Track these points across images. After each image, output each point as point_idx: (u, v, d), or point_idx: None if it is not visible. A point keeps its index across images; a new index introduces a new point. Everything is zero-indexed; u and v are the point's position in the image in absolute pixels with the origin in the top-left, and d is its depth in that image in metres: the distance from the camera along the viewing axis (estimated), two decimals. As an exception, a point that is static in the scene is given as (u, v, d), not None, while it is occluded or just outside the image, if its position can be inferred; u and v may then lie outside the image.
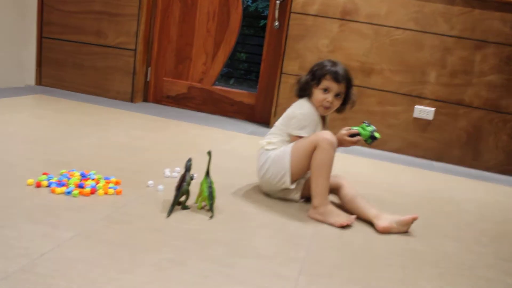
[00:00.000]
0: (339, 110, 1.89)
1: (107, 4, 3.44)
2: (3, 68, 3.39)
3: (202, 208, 1.60)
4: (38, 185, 1.59)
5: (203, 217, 1.54)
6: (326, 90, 1.78)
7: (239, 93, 3.49)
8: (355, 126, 1.83)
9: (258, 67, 3.55)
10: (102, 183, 1.67)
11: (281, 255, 1.35)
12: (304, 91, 1.85)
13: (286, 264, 1.30)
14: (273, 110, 3.22)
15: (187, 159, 1.61)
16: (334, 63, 1.81)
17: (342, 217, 1.67)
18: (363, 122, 1.82)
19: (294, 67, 3.14)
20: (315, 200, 1.70)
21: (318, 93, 1.80)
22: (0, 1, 3.25)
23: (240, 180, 1.99)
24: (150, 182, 1.76)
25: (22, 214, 1.37)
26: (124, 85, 3.53)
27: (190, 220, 1.50)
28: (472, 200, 2.27)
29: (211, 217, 1.54)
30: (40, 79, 3.73)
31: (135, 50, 3.45)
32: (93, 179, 1.71)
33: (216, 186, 1.64)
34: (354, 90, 1.88)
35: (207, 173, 1.59)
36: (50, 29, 3.62)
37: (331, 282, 1.24)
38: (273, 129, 1.89)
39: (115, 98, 3.56)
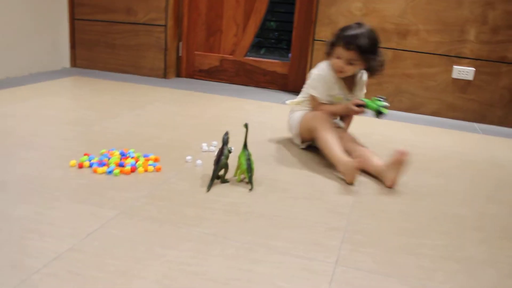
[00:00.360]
0: (368, 75, 1.93)
1: (135, -19, 3.44)
2: (39, 52, 3.46)
3: (241, 181, 1.61)
4: (81, 166, 1.63)
5: (242, 190, 1.54)
6: (338, 57, 1.85)
7: (272, 63, 3.45)
8: (367, 98, 1.87)
9: (289, 35, 3.50)
10: (141, 160, 1.70)
11: (322, 225, 1.35)
12: (328, 54, 1.93)
13: (328, 234, 1.30)
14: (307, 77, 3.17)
15: (223, 132, 1.62)
16: (356, 28, 1.82)
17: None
18: (379, 97, 1.83)
19: (327, 33, 3.06)
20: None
21: (333, 58, 1.88)
22: (31, -15, 3.29)
23: (277, 151, 1.99)
24: (188, 157, 1.77)
25: (68, 195, 1.41)
26: (157, 62, 3.55)
27: (229, 194, 1.51)
28: (517, 160, 2.20)
29: (251, 189, 1.54)
30: (75, 61, 3.79)
31: (165, 25, 3.45)
32: (132, 157, 1.74)
33: (253, 158, 1.63)
34: (380, 56, 1.86)
35: (245, 146, 1.59)
36: (81, 10, 3.65)
37: (374, 251, 1.23)
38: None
39: (148, 75, 3.59)
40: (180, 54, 3.62)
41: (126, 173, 1.60)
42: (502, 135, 2.71)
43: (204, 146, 1.91)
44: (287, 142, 2.13)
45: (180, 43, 3.59)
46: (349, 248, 1.23)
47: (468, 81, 2.94)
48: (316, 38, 3.10)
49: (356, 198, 1.56)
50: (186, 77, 3.66)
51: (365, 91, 2.04)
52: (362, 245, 1.25)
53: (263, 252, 1.17)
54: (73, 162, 1.65)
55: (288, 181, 1.66)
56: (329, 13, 3.05)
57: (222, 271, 1.08)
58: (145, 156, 1.76)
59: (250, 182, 1.56)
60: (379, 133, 2.42)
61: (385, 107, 1.81)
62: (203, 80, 3.63)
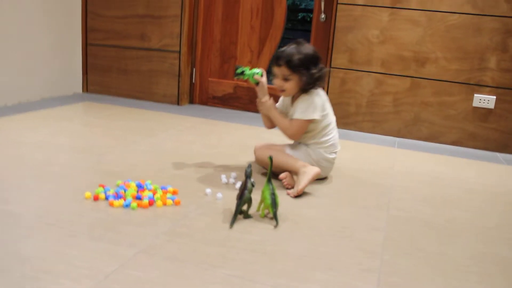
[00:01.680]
0: (305, 90, 1.87)
1: (150, 6, 3.42)
2: (52, 77, 3.43)
3: (265, 216, 1.53)
4: (96, 198, 1.56)
5: (267, 226, 1.46)
6: (275, 75, 1.87)
7: (286, 90, 3.39)
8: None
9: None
10: (159, 193, 1.62)
11: (355, 266, 1.26)
12: None
13: (362, 276, 1.21)
14: (323, 106, 3.11)
15: (241, 162, 1.55)
16: (290, 45, 1.85)
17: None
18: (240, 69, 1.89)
19: (343, 60, 3.02)
20: None
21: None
22: (47, 11, 3.28)
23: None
24: (208, 190, 1.70)
25: (83, 230, 1.34)
26: (170, 88, 3.51)
27: (254, 230, 1.42)
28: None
29: (276, 226, 1.46)
30: (87, 86, 3.76)
31: (179, 51, 3.41)
32: (149, 189, 1.66)
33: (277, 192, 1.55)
34: (318, 71, 1.83)
35: (269, 179, 1.51)
36: (94, 36, 3.63)
37: (414, 296, 1.14)
38: None
39: (161, 102, 3.54)
40: (193, 81, 3.57)
41: (144, 207, 1.53)
42: (527, 166, 2.62)
43: (223, 178, 1.84)
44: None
45: (194, 69, 3.55)
46: (386, 293, 1.14)
47: (489, 110, 2.87)
48: (332, 66, 3.05)
49: (387, 235, 1.47)
50: (200, 103, 3.61)
51: (295, 113, 1.90)
52: (400, 290, 1.16)
53: (295, 297, 1.08)
54: (88, 194, 1.58)
55: (313, 217, 1.58)
56: (345, 40, 3.00)
57: (253, 320, 0.99)
58: (162, 188, 1.68)
59: (274, 218, 1.47)
60: (400, 165, 2.34)
61: (257, 73, 1.87)
62: (216, 107, 3.57)
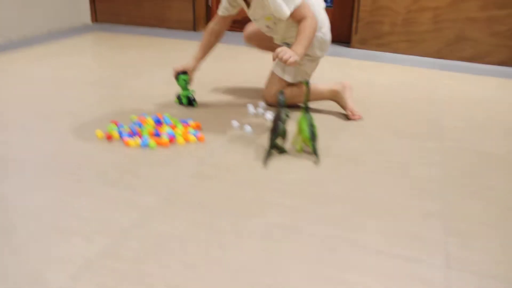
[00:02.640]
0: None
1: None
2: (58, 8, 3.16)
3: (302, 150, 1.32)
4: (109, 138, 1.37)
5: (306, 163, 1.26)
6: None
7: (311, 11, 3.08)
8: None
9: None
10: (180, 128, 1.43)
11: (413, 209, 1.06)
12: None
13: (424, 222, 1.01)
14: (353, 25, 2.81)
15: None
16: None
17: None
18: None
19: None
20: None
21: None
22: None
23: (337, 109, 1.68)
24: (235, 122, 1.49)
25: (96, 176, 1.16)
26: (185, 13, 3.22)
27: (292, 168, 1.23)
28: None
29: (316, 162, 1.26)
30: (96, 16, 3.49)
31: (192, -28, 3.10)
32: (168, 124, 1.47)
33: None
34: None
35: (306, 109, 1.30)
36: (99, -42, 3.32)
37: (487, 245, 0.95)
38: None
39: (176, 28, 3.27)
40: (209, 4, 3.27)
41: (164, 145, 1.34)
42: None
43: (251, 108, 1.63)
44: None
45: (209, -9, 3.24)
46: (455, 242, 0.95)
47: (543, 24, 2.54)
48: (363, -21, 2.72)
49: (445, 170, 1.26)
50: (217, 29, 3.33)
51: (282, 11, 1.48)
52: (471, 238, 0.97)
53: (350, 251, 0.90)
54: (100, 132, 1.39)
55: (357, 149, 1.37)
56: (379, -51, 2.65)
57: (302, 281, 0.81)
58: (183, 122, 1.48)
59: (314, 152, 1.27)
60: (445, 89, 2.09)
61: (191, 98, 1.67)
62: (236, 31, 3.28)
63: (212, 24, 1.69)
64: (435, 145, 1.42)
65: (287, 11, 1.46)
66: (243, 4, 1.58)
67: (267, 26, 1.61)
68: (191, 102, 1.67)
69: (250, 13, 1.59)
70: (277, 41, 1.68)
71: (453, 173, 1.25)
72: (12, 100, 1.71)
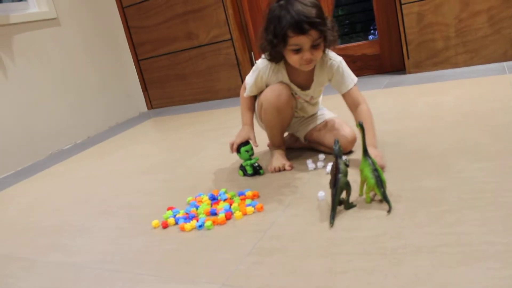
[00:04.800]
0: (329, 46, 1.45)
1: (187, 2, 3.16)
2: (114, 104, 3.29)
3: (371, 200, 1.17)
4: (165, 225, 1.30)
5: (378, 213, 1.10)
6: (298, 49, 1.37)
7: (359, 46, 2.95)
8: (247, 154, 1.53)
9: (361, 17, 3.01)
10: (237, 201, 1.33)
11: (520, 244, 0.87)
12: (276, 58, 1.46)
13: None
14: (404, 50, 2.65)
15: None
16: (288, 6, 1.33)
17: (278, 162, 1.54)
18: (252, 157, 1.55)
19: (415, -9, 2.54)
20: None
21: (290, 55, 1.40)
22: (94, 42, 3.14)
23: (400, 147, 1.52)
24: (321, 193, 1.35)
25: (153, 271, 1.07)
26: (232, 80, 3.22)
27: (363, 223, 1.07)
28: None
29: (389, 211, 1.10)
30: (151, 103, 3.59)
31: (231, 39, 3.12)
32: (225, 200, 1.37)
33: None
34: (330, 23, 1.39)
35: (365, 152, 1.16)
36: (143, 50, 3.45)
37: None
38: None
39: (227, 97, 3.27)
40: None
41: (221, 223, 1.24)
42: None
43: (310, 163, 1.50)
44: (412, 131, 1.65)
45: (252, 53, 3.24)
46: None
47: None
48: (403, 2, 2.58)
49: (548, 188, 1.05)
50: (267, 88, 3.29)
51: (338, 81, 1.51)
52: None
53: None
54: (156, 222, 1.32)
55: (434, 186, 1.19)
56: (412, -32, 2.52)
57: None
58: (240, 194, 1.39)
59: (385, 200, 1.11)
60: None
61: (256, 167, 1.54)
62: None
63: (245, 95, 1.61)
64: (527, 160, 1.21)
65: (351, 83, 1.49)
66: (296, 89, 1.53)
67: (306, 101, 1.59)
68: (257, 171, 1.54)
69: (304, 93, 1.55)
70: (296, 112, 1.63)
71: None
72: (73, 201, 1.71)
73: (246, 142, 1.52)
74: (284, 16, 1.34)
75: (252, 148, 1.53)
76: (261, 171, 1.54)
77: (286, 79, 1.51)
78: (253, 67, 1.56)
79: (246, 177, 1.55)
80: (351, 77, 1.50)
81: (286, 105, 1.50)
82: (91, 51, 3.16)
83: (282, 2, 1.37)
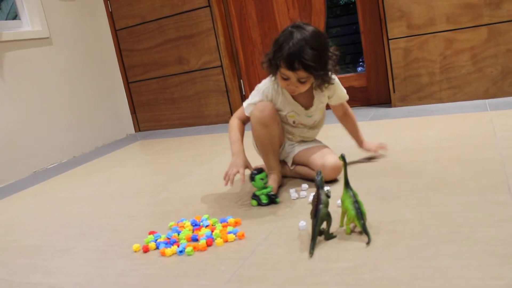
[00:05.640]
0: (319, 86, 1.55)
1: (180, 28, 3.21)
2: (102, 125, 3.29)
3: (352, 232, 1.19)
4: (146, 250, 1.30)
5: (357, 245, 1.12)
6: (286, 78, 1.48)
7: (346, 78, 3.00)
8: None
9: (349, 49, 3.08)
10: (218, 228, 1.33)
11: (493, 281, 0.89)
12: (272, 73, 1.55)
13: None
14: (390, 84, 2.71)
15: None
16: (294, 38, 1.41)
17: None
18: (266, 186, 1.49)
19: (401, 27, 2.61)
20: None
21: (279, 78, 1.51)
22: (85, 63, 3.16)
23: (382, 178, 1.55)
24: (301, 223, 1.36)
25: (130, 297, 1.07)
26: (221, 106, 3.25)
27: (342, 254, 1.09)
28: None
29: (368, 243, 1.11)
30: (138, 125, 3.60)
31: (221, 66, 3.16)
32: (206, 226, 1.38)
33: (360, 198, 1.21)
34: (332, 59, 1.49)
35: (347, 184, 1.18)
36: (133, 72, 3.48)
37: None
38: None
39: (215, 123, 3.30)
40: (244, 93, 3.30)
41: (202, 250, 1.24)
42: None
43: (293, 192, 1.52)
44: (390, 165, 1.69)
45: (241, 81, 3.28)
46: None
47: None
48: (390, 37, 2.65)
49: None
50: (255, 115, 3.32)
51: (339, 96, 1.70)
52: None
53: None
54: (137, 246, 1.32)
55: (413, 219, 1.21)
56: (397, 4, 2.60)
57: None
58: (222, 221, 1.39)
59: (365, 232, 1.13)
60: (503, 130, 1.91)
61: (271, 196, 1.48)
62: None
63: (238, 121, 1.65)
64: (504, 198, 1.24)
65: (346, 96, 1.71)
66: (298, 109, 1.61)
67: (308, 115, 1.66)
68: (272, 199, 1.47)
69: (306, 112, 1.63)
70: (294, 137, 1.71)
71: (532, 227, 1.07)
72: (54, 221, 1.70)
73: (261, 170, 1.47)
74: (284, 46, 1.42)
75: (266, 176, 1.48)
76: (277, 199, 1.48)
77: (289, 98, 1.59)
78: (254, 90, 1.63)
79: (227, 205, 1.56)
80: (344, 92, 1.70)
81: (271, 119, 1.55)
82: (81, 72, 3.18)
83: (293, 29, 1.44)
